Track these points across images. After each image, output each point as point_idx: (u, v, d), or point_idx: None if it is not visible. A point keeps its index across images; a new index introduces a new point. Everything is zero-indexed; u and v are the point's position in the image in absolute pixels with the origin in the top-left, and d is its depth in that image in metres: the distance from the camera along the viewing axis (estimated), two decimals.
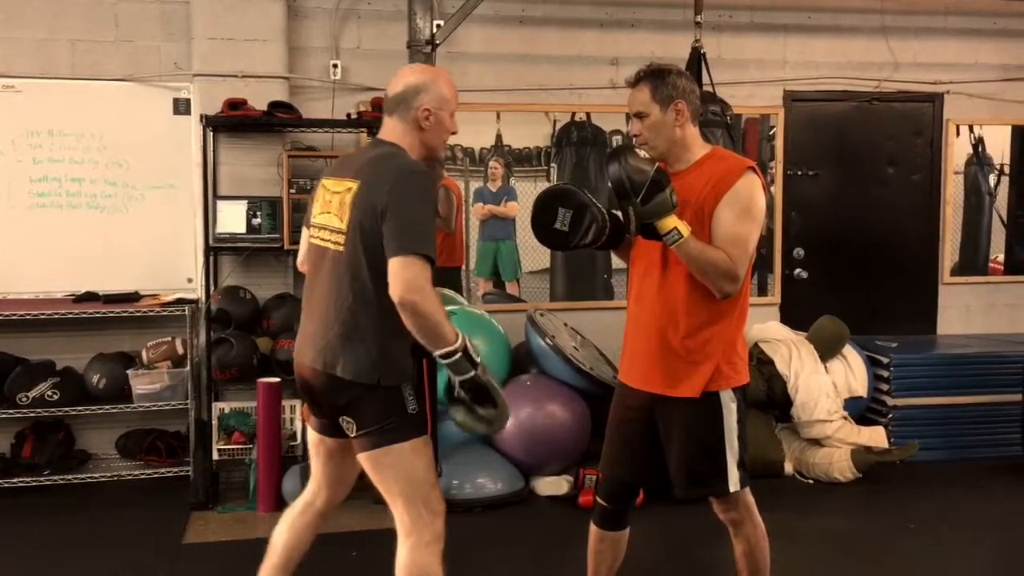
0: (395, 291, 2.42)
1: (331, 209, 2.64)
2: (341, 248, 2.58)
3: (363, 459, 2.63)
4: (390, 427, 2.57)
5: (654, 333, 2.76)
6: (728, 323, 2.74)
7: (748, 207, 2.67)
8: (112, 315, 4.80)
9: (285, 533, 2.86)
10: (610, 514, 2.95)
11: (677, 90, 2.73)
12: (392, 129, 2.69)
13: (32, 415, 4.71)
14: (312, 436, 2.83)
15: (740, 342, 2.81)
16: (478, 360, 2.50)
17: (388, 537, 4.37)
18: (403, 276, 2.42)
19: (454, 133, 2.76)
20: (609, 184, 2.67)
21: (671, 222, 2.59)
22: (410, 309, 2.41)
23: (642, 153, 2.67)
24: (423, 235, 2.47)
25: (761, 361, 5.15)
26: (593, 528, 2.98)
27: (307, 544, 2.87)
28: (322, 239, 2.67)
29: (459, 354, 2.45)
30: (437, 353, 2.46)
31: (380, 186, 2.52)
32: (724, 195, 2.66)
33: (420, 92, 2.65)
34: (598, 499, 2.97)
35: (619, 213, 2.76)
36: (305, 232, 2.84)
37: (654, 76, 2.75)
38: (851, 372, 5.25)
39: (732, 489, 2.77)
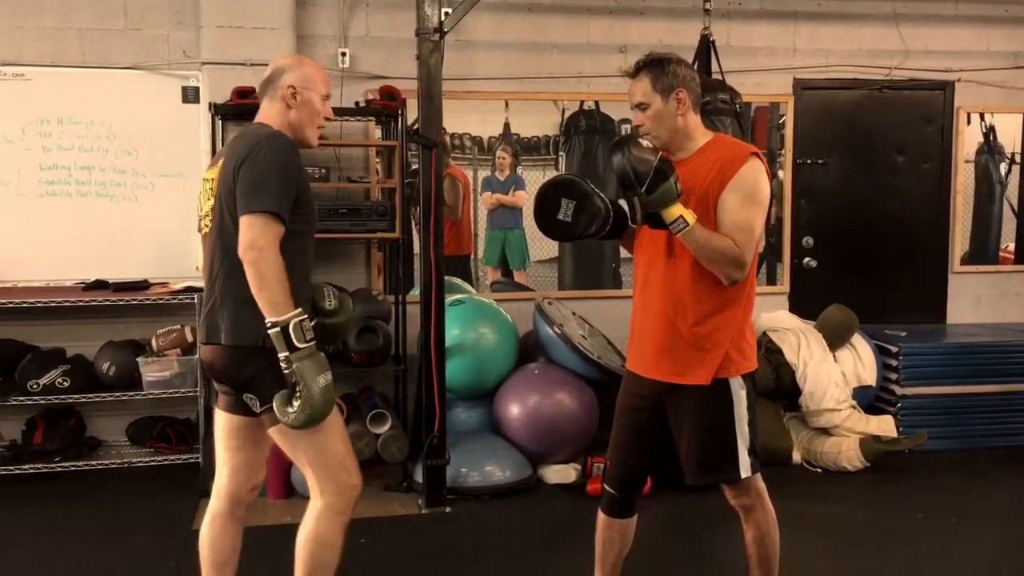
0: (239, 249, 2.46)
1: (209, 197, 2.70)
2: (210, 228, 2.67)
3: (273, 432, 2.65)
4: None
5: (662, 322, 2.76)
6: (736, 310, 2.74)
7: (753, 192, 2.67)
8: (122, 303, 4.81)
9: (207, 551, 2.85)
10: (618, 502, 2.95)
11: (678, 79, 2.73)
12: (263, 111, 2.77)
13: (43, 402, 4.73)
14: (220, 423, 2.81)
15: (748, 328, 2.81)
16: (301, 347, 2.42)
17: (398, 524, 4.39)
18: (246, 235, 2.46)
19: (328, 119, 2.81)
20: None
21: (676, 211, 2.58)
22: (248, 265, 2.44)
23: (645, 143, 2.67)
24: (267, 193, 2.49)
25: (770, 350, 5.14)
26: (601, 516, 2.99)
27: (233, 550, 2.87)
28: (205, 226, 2.73)
29: (278, 328, 2.41)
30: (267, 321, 2.43)
31: (236, 156, 2.59)
32: (728, 181, 2.65)
33: (285, 72, 2.74)
34: (606, 487, 2.98)
35: (624, 203, 2.76)
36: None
37: (654, 66, 2.74)
38: (860, 361, 5.24)
39: (743, 475, 2.77)
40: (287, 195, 2.53)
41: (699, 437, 2.75)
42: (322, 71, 2.81)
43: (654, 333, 2.78)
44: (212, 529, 2.86)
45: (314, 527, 2.64)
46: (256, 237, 2.45)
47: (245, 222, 2.47)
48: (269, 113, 2.74)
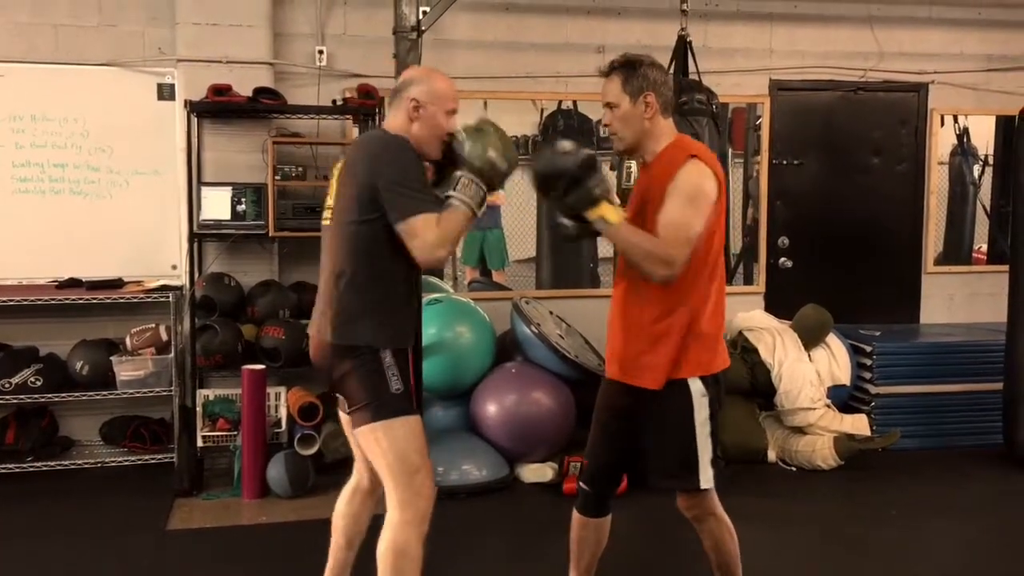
0: (418, 259, 2.62)
1: (330, 191, 2.82)
2: (330, 223, 2.77)
3: (357, 434, 2.76)
4: (375, 404, 2.68)
5: (619, 325, 2.81)
6: (684, 312, 2.69)
7: (689, 193, 2.64)
8: (96, 301, 4.78)
9: (341, 522, 3.00)
10: (592, 499, 2.95)
11: (648, 82, 2.73)
12: (388, 119, 2.85)
13: (15, 401, 4.69)
14: (342, 418, 2.94)
15: (710, 329, 2.74)
16: (475, 194, 2.70)
17: (374, 522, 4.36)
18: (415, 245, 2.59)
19: (450, 134, 2.84)
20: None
21: (597, 211, 2.63)
22: (443, 261, 2.68)
23: (567, 145, 2.71)
24: (412, 195, 2.61)
25: (745, 349, 5.17)
26: (576, 515, 2.98)
27: (365, 524, 3.00)
28: (325, 219, 2.84)
29: (472, 211, 2.69)
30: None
31: (359, 159, 2.71)
32: (667, 186, 2.66)
33: (411, 84, 2.80)
34: (581, 484, 2.98)
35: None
36: None
37: (625, 67, 2.76)
38: (834, 360, 5.28)
39: (704, 487, 2.77)
40: (426, 189, 2.69)
41: (659, 441, 2.76)
42: (451, 86, 2.85)
43: (613, 336, 2.84)
44: (352, 505, 3.00)
45: (392, 538, 2.68)
46: (423, 241, 2.59)
47: (405, 230, 2.59)
48: (393, 122, 2.81)
